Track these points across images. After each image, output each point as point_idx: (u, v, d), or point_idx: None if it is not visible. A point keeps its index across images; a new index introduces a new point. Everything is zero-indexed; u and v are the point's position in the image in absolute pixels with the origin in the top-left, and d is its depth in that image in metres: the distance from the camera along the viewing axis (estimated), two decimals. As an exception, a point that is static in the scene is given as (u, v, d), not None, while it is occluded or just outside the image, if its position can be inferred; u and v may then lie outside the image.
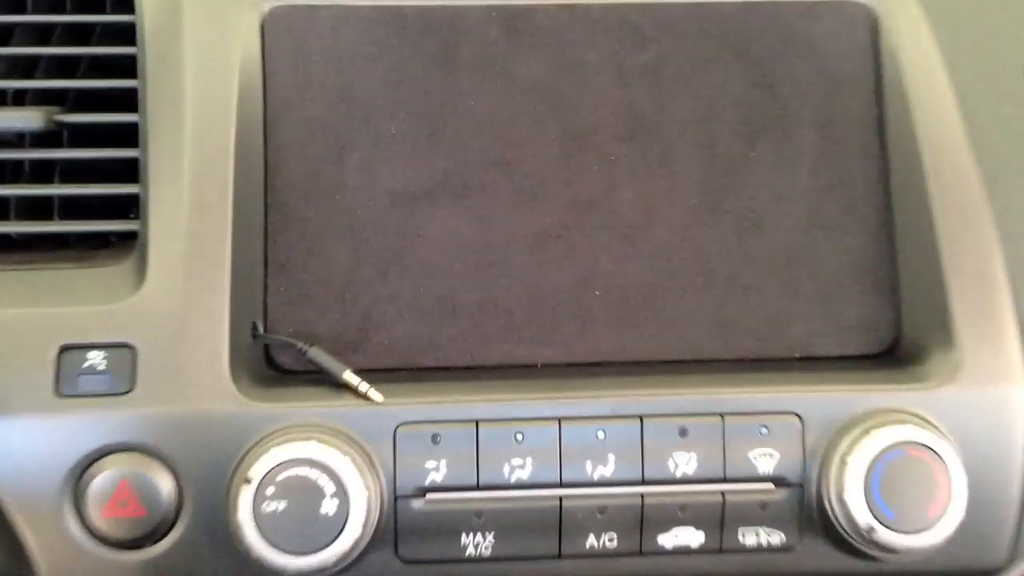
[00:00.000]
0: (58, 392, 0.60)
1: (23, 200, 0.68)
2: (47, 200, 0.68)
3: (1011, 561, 0.64)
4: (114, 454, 0.60)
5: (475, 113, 0.67)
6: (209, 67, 0.67)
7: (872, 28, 0.70)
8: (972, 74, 0.70)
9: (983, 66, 0.71)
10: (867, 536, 0.59)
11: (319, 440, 0.59)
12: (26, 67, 0.72)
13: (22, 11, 0.73)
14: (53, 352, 0.61)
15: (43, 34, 0.73)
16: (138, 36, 0.69)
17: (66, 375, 0.60)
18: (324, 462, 0.58)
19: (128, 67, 0.70)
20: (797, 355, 0.66)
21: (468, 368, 0.65)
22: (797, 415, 0.62)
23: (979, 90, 0.70)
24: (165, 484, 0.59)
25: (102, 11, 0.74)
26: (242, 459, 0.59)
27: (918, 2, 0.71)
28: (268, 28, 0.68)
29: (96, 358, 0.61)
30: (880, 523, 0.58)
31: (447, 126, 0.67)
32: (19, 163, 0.69)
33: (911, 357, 0.65)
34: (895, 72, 0.69)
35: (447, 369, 0.65)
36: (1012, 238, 0.66)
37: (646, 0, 0.69)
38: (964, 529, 0.60)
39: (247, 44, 0.67)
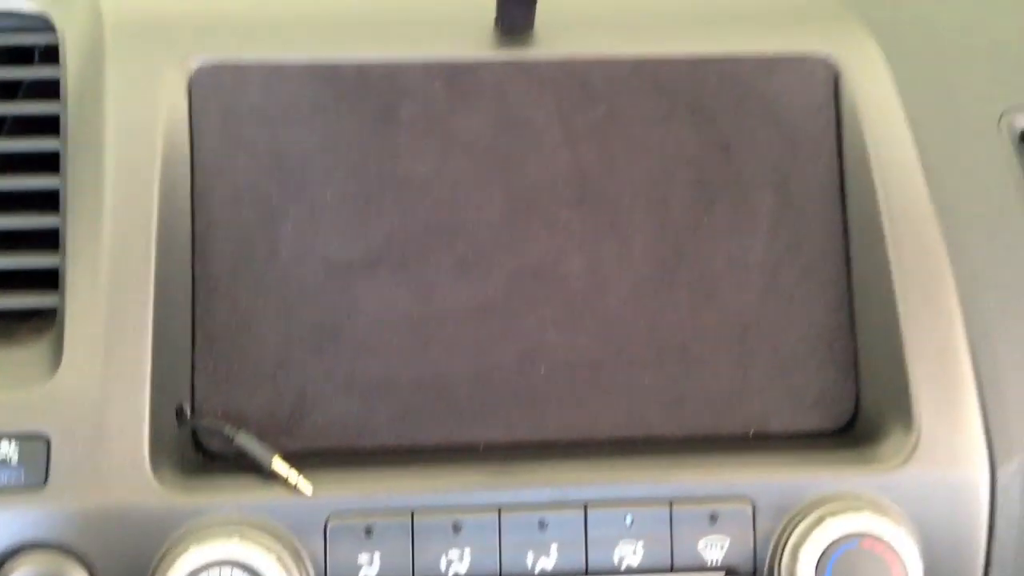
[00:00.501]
0: None
1: None
2: None
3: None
4: (28, 552, 0.57)
5: (416, 176, 0.64)
6: (132, 128, 0.63)
7: (832, 83, 0.67)
8: (938, 129, 0.68)
9: (949, 120, 0.69)
10: (818, 635, 0.57)
11: (242, 537, 0.56)
12: None
13: None
14: None
15: None
16: (61, 92, 0.66)
17: None
18: (247, 562, 0.55)
19: (51, 125, 0.67)
20: (752, 432, 0.64)
21: (406, 450, 0.62)
22: (749, 500, 0.59)
23: (945, 146, 0.68)
24: (82, 583, 0.56)
25: (30, 62, 0.71)
26: (162, 558, 0.56)
27: (882, 55, 0.68)
28: (195, 87, 0.65)
29: (8, 449, 0.58)
30: (832, 622, 0.56)
31: (386, 190, 0.64)
32: None
33: (869, 434, 0.63)
34: (856, 130, 0.66)
35: (384, 451, 0.62)
36: (976, 310, 0.63)
37: (595, 55, 0.66)
38: None
39: (173, 104, 0.64)
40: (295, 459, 0.60)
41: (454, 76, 0.66)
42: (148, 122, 0.63)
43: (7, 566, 0.56)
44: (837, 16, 0.69)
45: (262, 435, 0.61)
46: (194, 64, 0.65)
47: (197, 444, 0.62)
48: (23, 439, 0.58)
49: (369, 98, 0.65)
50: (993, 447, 0.61)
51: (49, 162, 0.66)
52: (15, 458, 0.58)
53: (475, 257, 0.64)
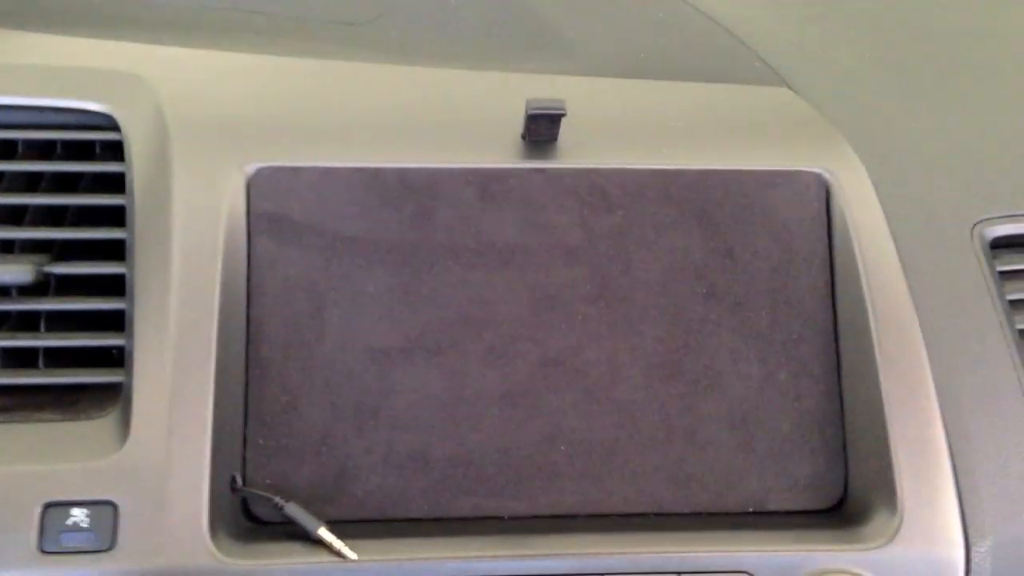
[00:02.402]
0: (41, 548, 0.62)
1: (8, 349, 0.70)
2: (32, 347, 0.71)
3: None
4: None
5: (449, 272, 0.71)
6: (196, 222, 0.70)
7: (824, 196, 0.74)
8: (917, 238, 0.75)
9: (927, 229, 0.76)
10: None
11: (294, 599, 0.61)
12: (15, 214, 0.74)
13: (12, 157, 0.76)
14: (38, 509, 0.63)
15: (32, 179, 0.76)
16: (127, 186, 0.72)
17: (49, 532, 0.63)
18: (299, 622, 0.60)
19: (114, 215, 0.72)
20: (751, 509, 0.70)
21: (438, 520, 0.68)
22: (749, 574, 0.65)
23: (923, 253, 0.75)
24: (143, 640, 0.62)
25: (92, 158, 0.77)
26: None
27: (865, 171, 0.75)
28: (253, 187, 0.71)
29: (79, 515, 0.63)
30: None
31: (422, 284, 0.71)
32: (4, 311, 0.72)
33: (856, 514, 0.69)
34: (845, 238, 0.73)
35: (418, 521, 0.68)
36: (952, 403, 0.70)
37: (613, 166, 0.73)
38: None
39: (233, 202, 0.70)
40: (336, 526, 0.65)
41: (485, 182, 0.73)
42: (211, 218, 0.70)
43: (76, 623, 0.62)
44: (827, 136, 0.77)
45: (306, 504, 0.67)
46: (252, 167, 0.72)
47: (246, 511, 0.68)
48: (93, 506, 0.63)
49: (408, 200, 0.72)
50: (968, 528, 0.67)
51: (110, 249, 0.72)
52: (86, 523, 0.63)
53: (503, 347, 0.70)
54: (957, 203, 0.77)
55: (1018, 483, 0.68)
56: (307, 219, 0.71)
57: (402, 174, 0.72)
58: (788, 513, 0.70)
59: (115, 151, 0.76)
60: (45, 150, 0.77)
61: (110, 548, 0.62)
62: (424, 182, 0.72)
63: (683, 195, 0.73)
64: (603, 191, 0.73)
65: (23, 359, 0.71)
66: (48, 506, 0.63)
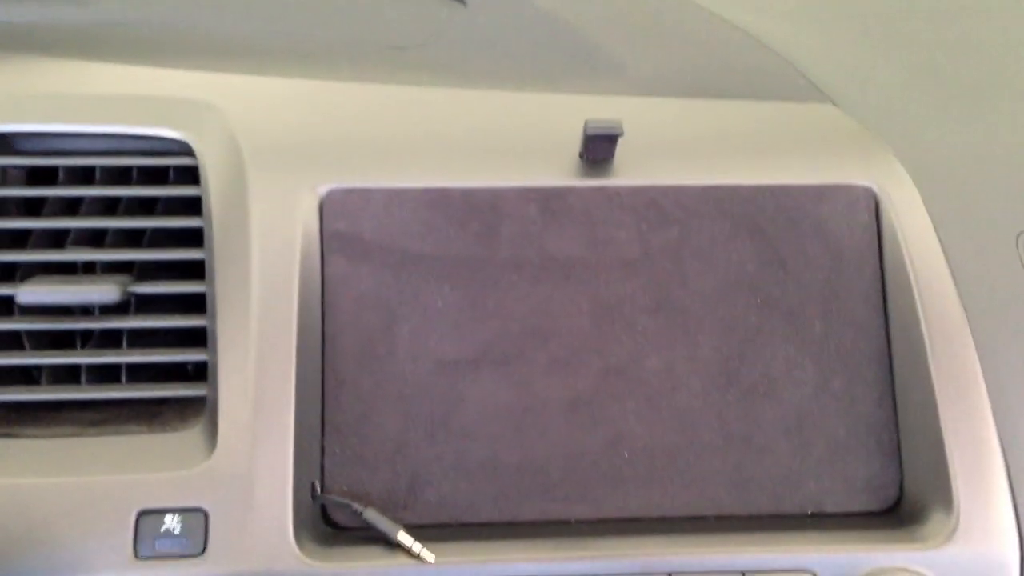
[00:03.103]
0: (136, 554, 0.66)
1: (94, 366, 0.74)
2: (116, 363, 0.74)
3: None
4: None
5: (514, 287, 0.74)
6: (273, 242, 0.73)
7: (873, 209, 0.77)
8: (964, 247, 0.77)
9: (973, 239, 0.78)
10: None
11: (377, 599, 0.64)
12: (95, 237, 0.78)
13: (91, 183, 0.80)
14: (132, 517, 0.66)
15: (110, 206, 0.79)
16: (204, 209, 0.75)
17: (143, 538, 0.66)
18: (383, 621, 0.63)
19: (191, 237, 0.76)
20: (809, 511, 0.72)
21: (507, 524, 0.71)
22: (811, 573, 0.67)
23: (971, 262, 0.77)
24: (234, 639, 0.65)
25: (165, 182, 0.81)
26: None
27: (913, 184, 0.78)
28: (326, 208, 0.75)
29: (172, 522, 0.66)
30: None
31: (488, 298, 0.74)
32: (88, 329, 0.75)
33: (913, 515, 0.71)
34: (895, 249, 0.76)
35: (488, 525, 0.71)
36: (1003, 405, 0.72)
37: (669, 183, 0.76)
38: None
39: (307, 223, 0.74)
40: (411, 531, 0.68)
41: (546, 200, 0.76)
42: (286, 237, 0.73)
43: (172, 623, 0.65)
44: (874, 150, 0.80)
45: (381, 510, 0.70)
46: (324, 189, 0.75)
47: (325, 518, 0.71)
48: (185, 513, 0.67)
49: (474, 219, 0.75)
50: (1022, 527, 0.69)
51: (186, 270, 0.75)
52: (178, 529, 0.66)
53: (566, 357, 0.73)
54: (1001, 213, 0.80)
55: (1069, 482, 0.71)
56: (377, 238, 0.74)
57: (467, 193, 0.75)
58: (846, 515, 0.72)
59: (189, 176, 0.79)
60: (121, 177, 0.81)
61: (202, 553, 0.66)
62: (488, 201, 0.75)
63: (736, 210, 0.76)
64: (659, 207, 0.76)
65: (106, 375, 0.74)
66: (142, 513, 0.66)
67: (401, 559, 0.67)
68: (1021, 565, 0.68)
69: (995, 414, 0.72)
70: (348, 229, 0.75)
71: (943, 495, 0.70)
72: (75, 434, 0.71)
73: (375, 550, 0.68)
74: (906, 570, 0.67)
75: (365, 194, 0.75)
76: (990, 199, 0.80)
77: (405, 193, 0.75)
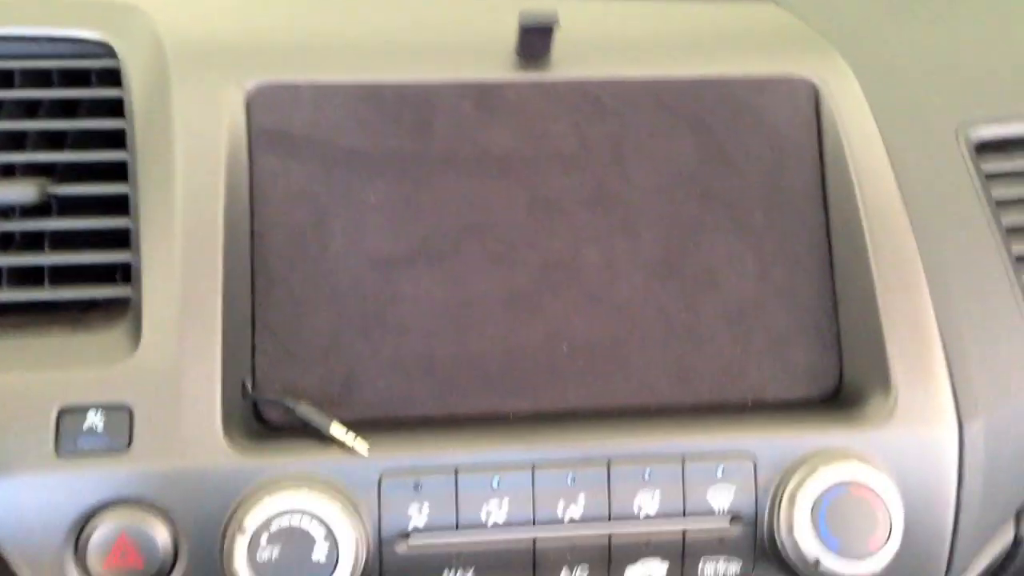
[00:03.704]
0: (58, 452, 0.64)
1: (14, 269, 0.72)
2: (37, 267, 0.72)
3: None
4: (113, 508, 0.63)
5: (449, 182, 0.73)
6: (198, 140, 0.71)
7: (814, 102, 0.76)
8: (904, 139, 0.77)
9: (914, 132, 0.78)
10: (814, 567, 0.64)
11: (309, 488, 0.63)
12: (15, 139, 0.75)
13: (10, 86, 0.77)
14: (53, 414, 0.64)
15: (31, 107, 0.77)
16: (126, 110, 0.73)
17: (65, 436, 0.64)
18: (315, 511, 0.62)
19: (115, 138, 0.74)
20: (750, 400, 0.72)
21: (445, 419, 0.70)
22: (751, 456, 0.67)
23: (911, 154, 0.77)
24: (162, 535, 0.63)
25: (88, 85, 0.78)
26: (235, 510, 0.63)
27: (855, 77, 0.77)
28: (253, 104, 0.73)
29: (94, 418, 0.64)
30: (826, 553, 0.64)
31: (423, 194, 0.72)
32: (9, 232, 0.73)
33: (852, 400, 0.71)
34: (835, 140, 0.75)
35: (426, 420, 0.70)
36: (942, 291, 0.72)
37: (606, 76, 0.75)
38: (902, 557, 0.65)
39: (233, 119, 0.72)
40: (347, 427, 0.67)
41: (482, 95, 0.74)
42: (212, 135, 0.71)
43: (95, 520, 0.63)
44: (815, 45, 0.79)
45: (316, 408, 0.68)
46: (251, 84, 0.73)
47: (258, 417, 0.69)
48: (108, 409, 0.65)
49: (407, 114, 0.73)
50: (960, 408, 0.69)
51: (110, 172, 0.73)
52: (101, 426, 0.64)
53: (503, 252, 0.72)
54: (943, 106, 0.79)
55: (1007, 365, 0.71)
56: (307, 134, 0.72)
57: (400, 89, 0.74)
58: (787, 403, 0.72)
59: (112, 78, 0.77)
60: (42, 80, 0.78)
61: (126, 448, 0.64)
62: (422, 96, 0.74)
63: (676, 103, 0.75)
64: (598, 100, 0.75)
65: (29, 279, 0.72)
66: (63, 411, 0.64)
67: (334, 452, 0.66)
68: (959, 444, 0.68)
69: (934, 302, 0.71)
70: (277, 125, 0.73)
71: (881, 380, 0.70)
72: None
73: (308, 444, 0.66)
74: (844, 451, 0.67)
75: (294, 89, 0.73)
76: (932, 92, 0.80)
77: (336, 88, 0.73)
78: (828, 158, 0.75)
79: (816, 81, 0.76)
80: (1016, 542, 0.74)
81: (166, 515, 0.63)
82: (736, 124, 0.75)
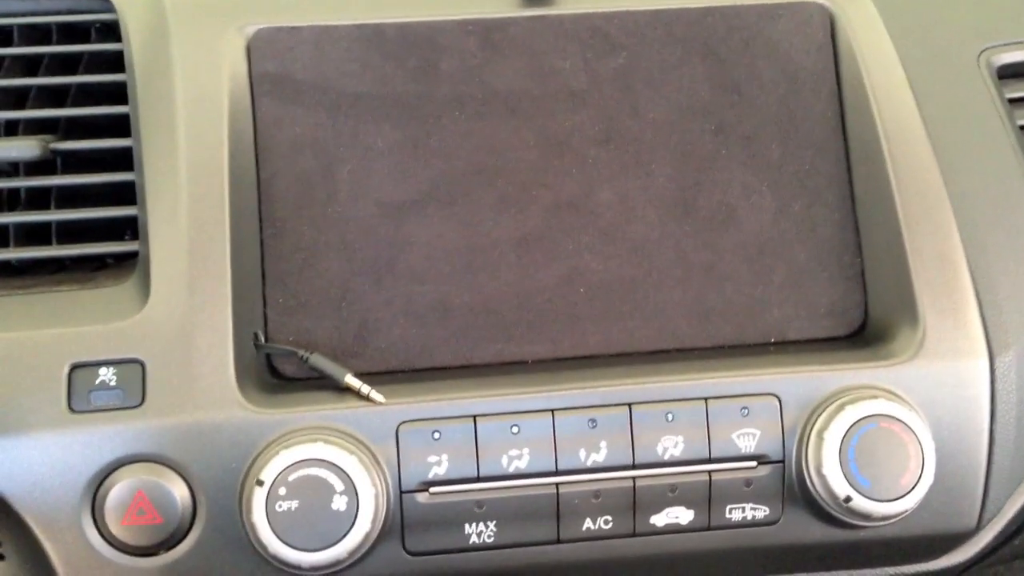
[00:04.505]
0: (71, 408, 0.63)
1: (21, 227, 0.70)
2: (44, 225, 0.71)
3: (981, 524, 0.68)
4: (129, 465, 0.62)
5: (457, 123, 0.71)
6: (199, 90, 0.69)
7: (829, 26, 0.74)
8: (924, 65, 0.74)
9: (934, 57, 0.75)
10: (845, 505, 0.63)
11: (326, 441, 0.61)
12: (17, 97, 0.74)
13: (9, 44, 0.75)
14: (64, 371, 0.63)
15: (31, 65, 0.75)
16: (126, 63, 0.72)
17: (78, 392, 0.63)
18: (333, 461, 0.61)
19: (117, 93, 0.72)
20: (773, 340, 0.70)
21: (462, 367, 0.68)
22: (775, 396, 0.65)
23: (932, 81, 0.74)
24: (179, 491, 0.62)
25: (87, 40, 0.76)
26: (253, 463, 0.62)
27: (871, 1, 0.74)
28: (254, 50, 0.71)
29: (106, 374, 0.63)
30: (857, 492, 0.62)
31: (431, 137, 0.70)
32: (14, 190, 0.72)
33: (879, 336, 0.69)
34: (852, 67, 0.73)
35: (443, 369, 0.68)
36: (969, 221, 0.70)
37: (613, 8, 0.73)
38: (935, 495, 0.64)
39: (234, 66, 0.70)
40: (362, 378, 0.66)
41: (487, 32, 0.72)
42: (213, 83, 0.69)
43: (111, 478, 0.62)
44: None
45: (330, 359, 0.67)
46: (251, 29, 0.71)
47: (272, 370, 0.68)
48: (120, 365, 0.63)
49: (411, 54, 0.71)
50: (991, 340, 0.67)
51: (113, 127, 0.71)
52: (113, 381, 0.63)
53: (515, 193, 0.70)
54: (964, 31, 0.77)
55: (1038, 294, 0.69)
56: (310, 78, 0.70)
57: (403, 28, 0.71)
58: (811, 341, 0.70)
59: (112, 33, 0.75)
60: (41, 36, 0.76)
61: (139, 404, 0.63)
62: (425, 35, 0.71)
63: (686, 33, 0.73)
64: (605, 34, 0.72)
65: (37, 238, 0.71)
66: (75, 367, 0.63)
67: (350, 402, 0.64)
68: (991, 376, 0.67)
69: (960, 230, 0.69)
70: (278, 70, 0.71)
71: (909, 313, 0.68)
72: (3, 295, 0.67)
73: (323, 395, 0.65)
74: (872, 387, 0.65)
75: (295, 32, 0.71)
76: (952, 16, 0.77)
77: (337, 30, 0.71)
78: (846, 86, 0.73)
79: (831, 6, 0.74)
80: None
81: (183, 470, 0.62)
82: (749, 53, 0.72)
